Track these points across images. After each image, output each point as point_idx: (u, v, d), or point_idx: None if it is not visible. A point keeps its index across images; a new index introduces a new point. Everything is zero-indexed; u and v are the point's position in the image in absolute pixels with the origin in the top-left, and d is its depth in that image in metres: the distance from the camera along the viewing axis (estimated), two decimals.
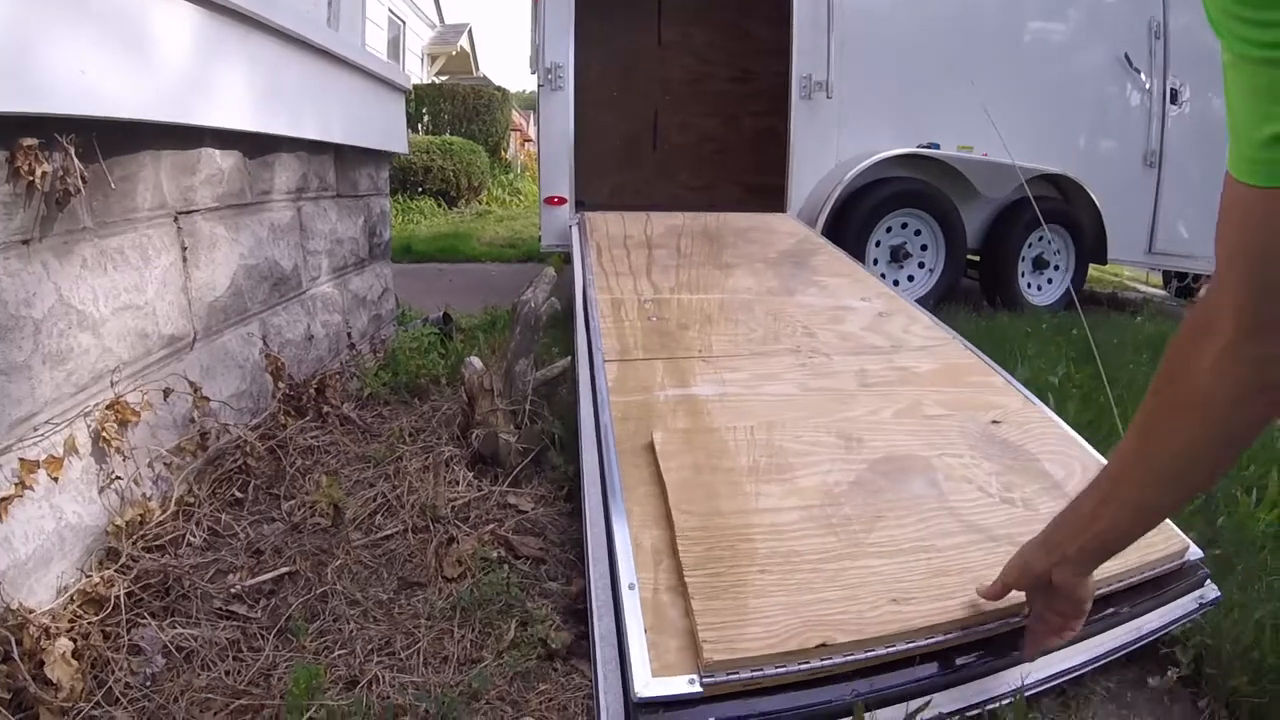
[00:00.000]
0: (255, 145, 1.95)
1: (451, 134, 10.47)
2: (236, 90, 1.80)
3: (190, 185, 1.67)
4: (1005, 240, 4.42)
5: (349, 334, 2.60)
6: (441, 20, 14.99)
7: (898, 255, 4.10)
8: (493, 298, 3.76)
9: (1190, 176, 5.28)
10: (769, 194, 6.03)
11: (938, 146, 4.07)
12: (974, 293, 4.58)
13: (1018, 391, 1.80)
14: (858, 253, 3.91)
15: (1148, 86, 5.01)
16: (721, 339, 2.04)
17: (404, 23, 11.98)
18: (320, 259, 2.42)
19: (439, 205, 9.05)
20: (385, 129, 2.87)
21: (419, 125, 10.74)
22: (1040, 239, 4.62)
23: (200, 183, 1.71)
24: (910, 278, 4.20)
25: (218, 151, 1.77)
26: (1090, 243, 4.73)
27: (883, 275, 4.09)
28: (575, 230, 3.45)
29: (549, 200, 3.65)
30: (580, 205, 6.20)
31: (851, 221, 3.87)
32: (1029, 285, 4.64)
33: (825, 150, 3.99)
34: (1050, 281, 4.73)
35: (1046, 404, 1.82)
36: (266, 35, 1.91)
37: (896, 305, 2.39)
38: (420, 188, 8.97)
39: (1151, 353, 3.00)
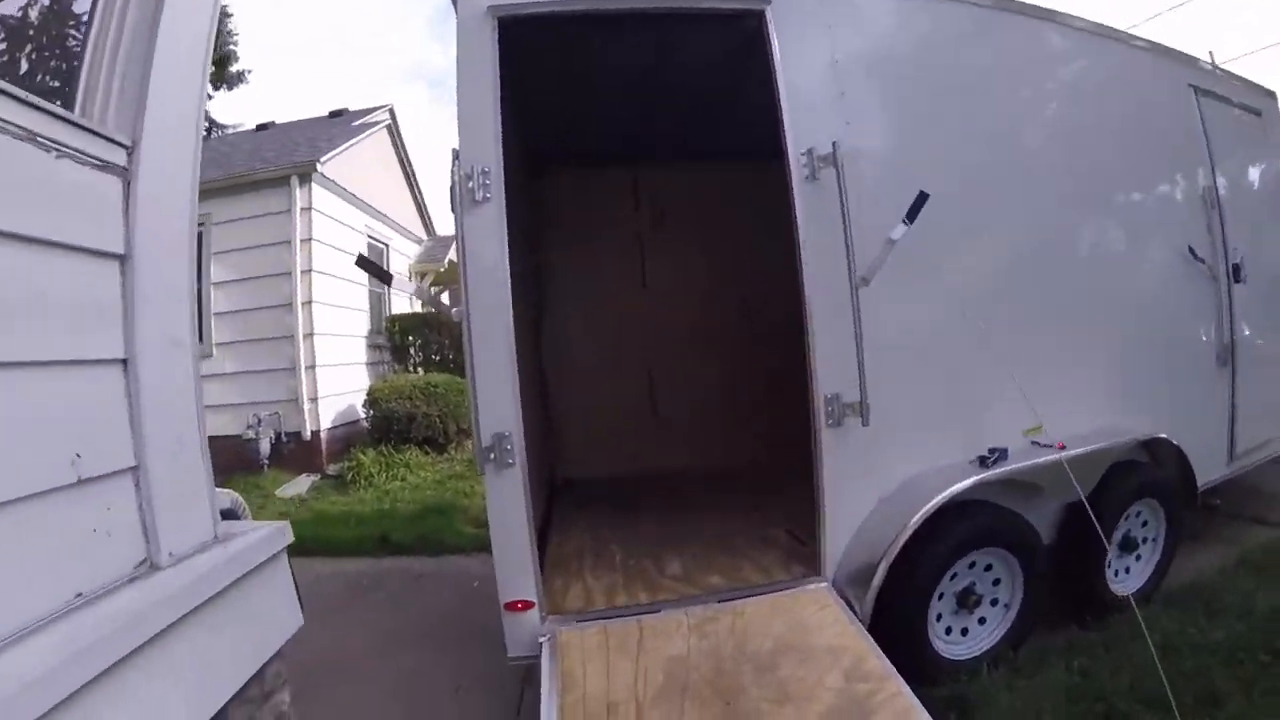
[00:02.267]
0: None
1: (440, 367, 9.96)
2: None
3: None
4: (1088, 536, 3.44)
5: None
6: (430, 233, 15.08)
7: (966, 601, 3.08)
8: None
9: (1260, 350, 4.49)
10: (788, 440, 5.23)
11: (1005, 453, 3.11)
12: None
13: None
14: (919, 616, 2.95)
15: (1214, 274, 4.22)
16: None
17: (387, 245, 11.85)
18: None
19: (426, 454, 8.29)
20: None
21: (408, 360, 10.30)
22: (1136, 516, 3.69)
23: None
24: (982, 620, 3.15)
25: None
26: (1182, 503, 3.80)
27: (949, 629, 3.11)
28: (545, 660, 2.51)
29: (510, 606, 2.73)
30: (569, 485, 5.55)
31: (911, 581, 2.89)
32: (1114, 574, 3.61)
33: (862, 482, 3.02)
34: (1138, 559, 3.72)
35: None
36: None
37: None
38: (405, 437, 8.25)
39: None
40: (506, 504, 2.68)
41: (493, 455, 2.58)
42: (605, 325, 5.59)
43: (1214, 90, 4.48)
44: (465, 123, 2.59)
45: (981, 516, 3.09)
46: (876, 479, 3.07)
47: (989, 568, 3.16)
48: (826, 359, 2.92)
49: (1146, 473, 3.65)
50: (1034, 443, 3.21)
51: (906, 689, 2.15)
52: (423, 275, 13.41)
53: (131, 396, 1.77)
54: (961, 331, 3.18)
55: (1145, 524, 3.73)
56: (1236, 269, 4.31)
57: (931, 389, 3.20)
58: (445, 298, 16.02)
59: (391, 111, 12.58)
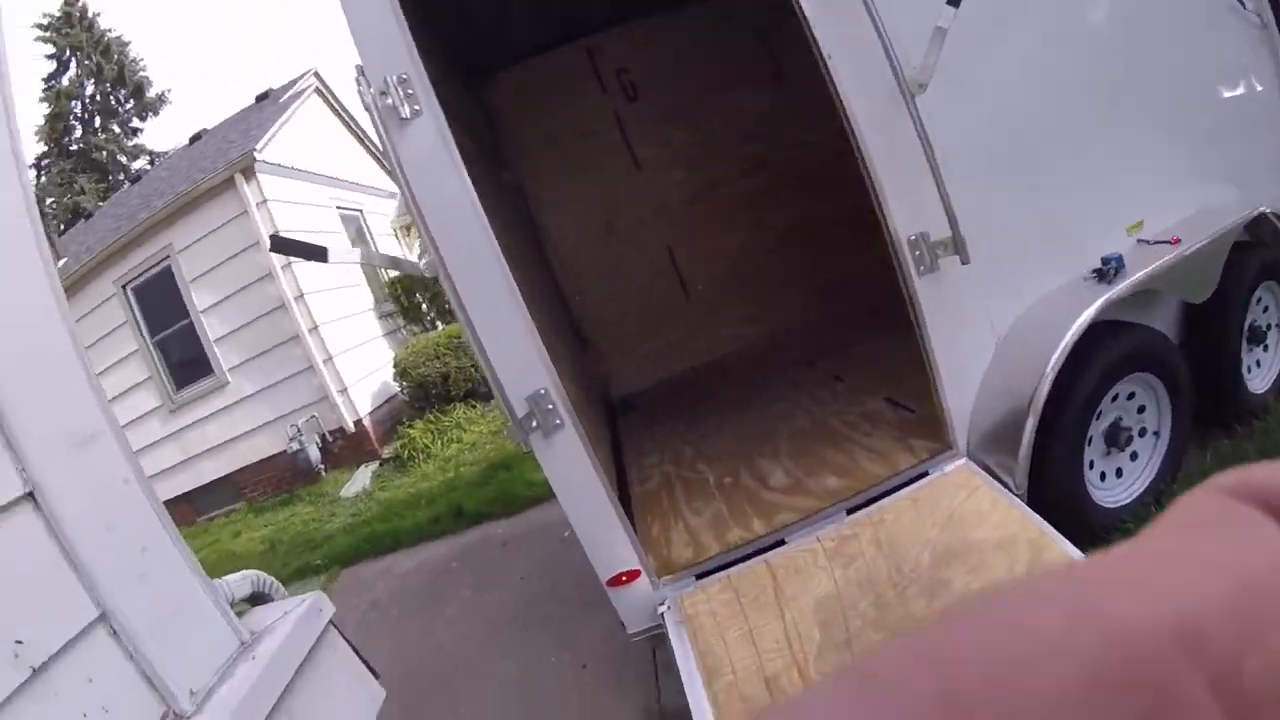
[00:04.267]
0: None
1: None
2: None
3: None
4: (1224, 335, 2.94)
5: None
6: None
7: (1115, 439, 2.63)
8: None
9: None
10: (837, 293, 4.74)
11: (1119, 261, 2.53)
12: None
13: None
14: (1075, 470, 2.51)
15: (1264, 21, 3.40)
16: None
17: (360, 210, 11.14)
18: None
19: (473, 408, 7.97)
20: None
21: (422, 319, 9.83)
22: (1258, 304, 3.16)
23: None
24: (1134, 456, 2.71)
25: None
26: None
27: (1102, 475, 2.68)
28: (673, 634, 2.16)
29: (613, 581, 2.35)
30: (626, 404, 5.16)
31: (1059, 432, 2.41)
32: (1246, 370, 3.10)
33: (973, 329, 2.51)
34: (1265, 349, 3.21)
35: None
36: None
37: None
38: (446, 397, 7.92)
39: None
40: (571, 472, 2.24)
41: (535, 423, 2.11)
42: (609, 222, 4.98)
43: None
44: (360, 25, 1.95)
45: (1118, 340, 2.57)
46: (989, 321, 2.55)
47: (1131, 395, 2.69)
48: (899, 193, 2.33)
49: (1263, 253, 3.09)
50: (1140, 241, 2.73)
51: None
52: (407, 229, 12.68)
53: (57, 533, 1.32)
54: (1037, 131, 2.64)
55: (1266, 309, 3.22)
56: None
57: (1020, 203, 2.61)
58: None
59: (317, 74, 11.50)
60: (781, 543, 2.32)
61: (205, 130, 11.91)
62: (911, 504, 2.25)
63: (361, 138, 12.81)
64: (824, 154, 5.04)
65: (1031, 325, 2.50)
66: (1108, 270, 2.53)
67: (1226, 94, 3.31)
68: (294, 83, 11.20)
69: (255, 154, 7.97)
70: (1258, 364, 3.20)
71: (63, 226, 18.52)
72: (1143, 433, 2.72)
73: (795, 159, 5.03)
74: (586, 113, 4.91)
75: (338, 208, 10.07)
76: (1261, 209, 3.01)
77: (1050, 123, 2.68)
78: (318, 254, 1.92)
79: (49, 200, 22.06)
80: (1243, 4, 3.33)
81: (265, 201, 7.97)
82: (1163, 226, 2.77)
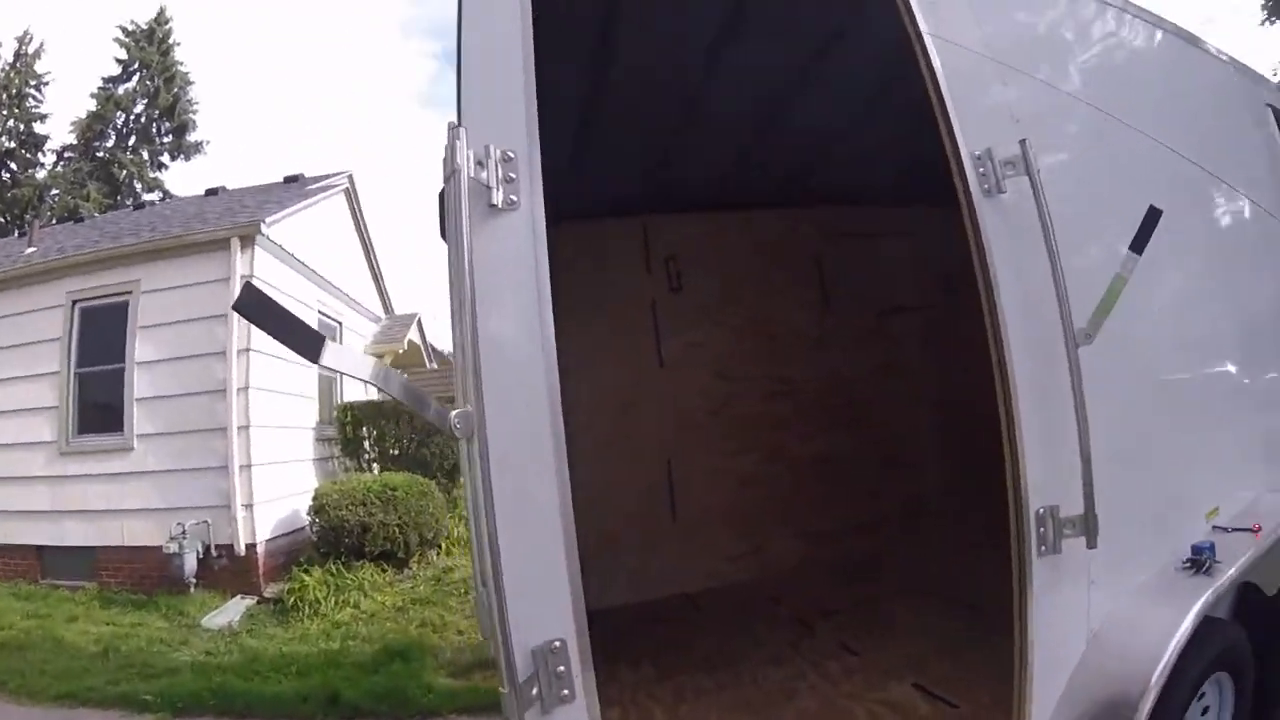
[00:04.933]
0: None
1: (399, 463, 8.59)
2: None
3: None
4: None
5: None
6: (388, 310, 13.87)
7: None
8: None
9: None
10: (833, 542, 4.48)
11: (1213, 551, 2.26)
12: None
13: None
14: None
15: None
16: None
17: (340, 323, 10.59)
18: None
19: (383, 572, 6.86)
20: None
21: (360, 455, 8.92)
22: None
23: None
24: None
25: None
26: None
27: None
28: None
29: None
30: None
31: None
32: None
33: (1074, 620, 2.07)
34: None
35: None
36: None
37: None
38: (359, 551, 6.84)
39: None
40: None
41: (535, 689, 1.38)
42: (624, 406, 4.47)
43: None
44: (473, 72, 1.50)
45: (1210, 640, 2.20)
46: (1089, 611, 2.13)
47: (1201, 695, 2.29)
48: (1038, 456, 1.92)
49: None
50: (1215, 527, 2.50)
51: None
52: (379, 358, 12.15)
53: None
54: (1165, 401, 2.49)
55: None
56: None
57: (1129, 480, 2.25)
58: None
59: (350, 178, 11.58)
60: None
61: (224, 189, 11.68)
62: None
63: (369, 255, 12.68)
64: (855, 392, 4.97)
65: (1130, 620, 2.13)
66: (1203, 561, 2.26)
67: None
68: (327, 176, 11.20)
69: (263, 226, 7.55)
70: None
71: (54, 220, 17.68)
72: None
73: (826, 390, 4.78)
74: (626, 288, 4.61)
75: (319, 311, 9.55)
76: None
77: (1189, 389, 2.58)
78: (308, 343, 1.25)
79: (53, 190, 21.36)
80: None
81: (252, 276, 7.45)
82: (1231, 512, 2.55)
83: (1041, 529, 1.95)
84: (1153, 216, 2.03)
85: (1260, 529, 2.43)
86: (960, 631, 3.26)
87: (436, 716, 4.19)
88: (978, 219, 1.98)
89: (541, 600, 1.40)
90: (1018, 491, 1.95)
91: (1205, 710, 2.33)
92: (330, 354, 1.22)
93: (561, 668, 1.39)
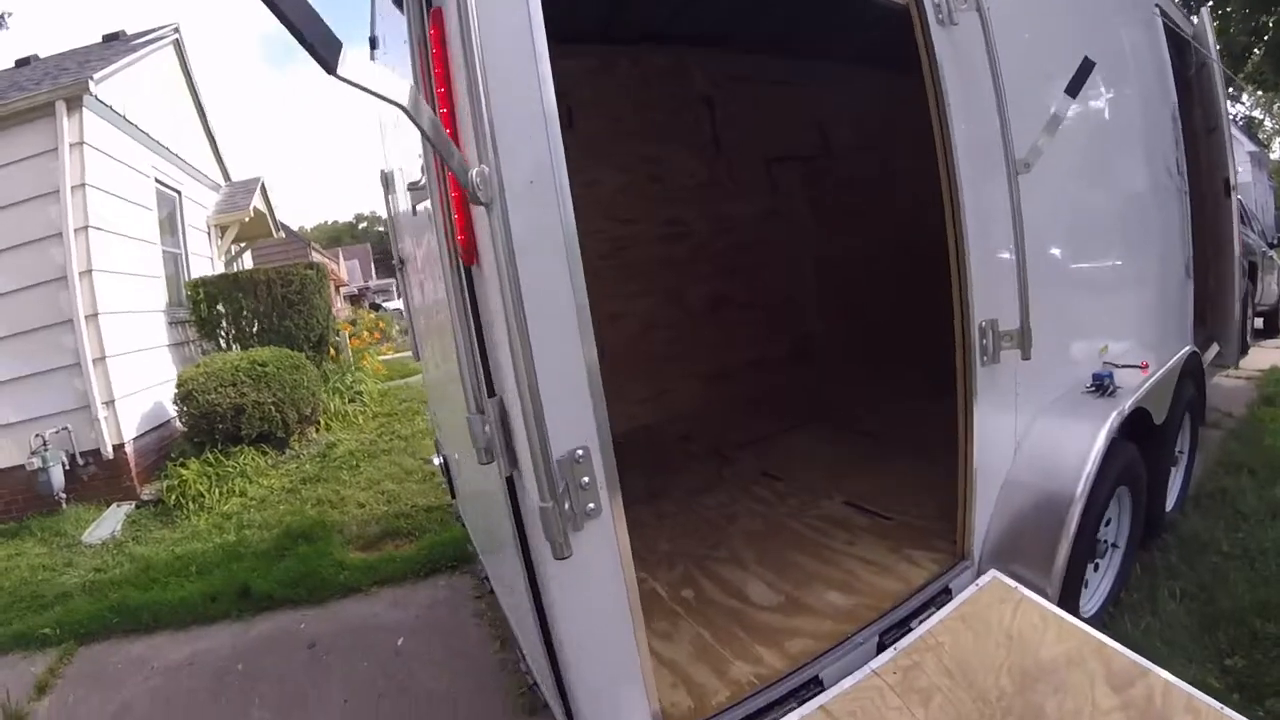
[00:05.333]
0: None
1: (261, 340, 7.95)
2: None
3: None
4: (1162, 457, 3.17)
5: None
6: (227, 178, 12.33)
7: (1092, 551, 2.58)
8: None
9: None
10: (727, 381, 4.69)
11: (1113, 379, 2.63)
12: None
13: None
14: (1078, 582, 2.37)
15: (1183, 189, 3.88)
16: None
17: (179, 192, 9.30)
18: None
19: (264, 455, 6.50)
20: None
21: (219, 333, 8.13)
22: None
23: None
24: (1095, 567, 2.66)
25: None
26: (1201, 414, 3.84)
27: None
28: None
29: None
30: None
31: (1078, 546, 2.25)
32: None
33: (1006, 430, 2.37)
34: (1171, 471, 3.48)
35: None
36: None
37: None
38: (235, 436, 6.40)
39: None
40: (593, 590, 1.47)
41: (569, 504, 1.36)
42: None
43: (1168, 12, 4.05)
44: None
45: (1121, 454, 2.52)
46: (1014, 425, 2.42)
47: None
48: (981, 274, 2.09)
49: (1187, 388, 3.39)
50: (1107, 363, 2.87)
51: (1164, 673, 1.66)
52: (223, 229, 10.90)
53: None
54: (1083, 236, 2.80)
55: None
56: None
57: (1053, 304, 2.54)
58: (249, 258, 13.13)
59: (178, 29, 9.90)
60: (817, 680, 1.74)
61: (36, 57, 9.65)
62: (962, 623, 1.91)
63: (203, 118, 11.11)
64: (745, 234, 5.02)
65: (1053, 433, 2.42)
66: (1106, 385, 2.60)
67: (1163, 244, 3.61)
68: (151, 31, 9.51)
69: (90, 84, 6.38)
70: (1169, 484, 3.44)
71: None
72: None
73: (718, 233, 4.84)
74: None
75: (156, 180, 8.36)
76: (1192, 347, 3.39)
77: (1093, 230, 2.82)
78: (326, 47, 0.93)
79: None
80: (1175, 172, 3.75)
81: (82, 144, 6.33)
82: (1116, 352, 2.94)
83: (984, 340, 2.15)
84: (1086, 67, 2.19)
85: (1147, 366, 2.81)
86: (865, 456, 3.53)
87: (358, 592, 4.08)
88: (931, 45, 2.01)
89: (565, 407, 1.36)
90: (964, 306, 2.12)
91: (1108, 521, 2.67)
92: (350, 65, 1.00)
93: (586, 478, 1.38)
